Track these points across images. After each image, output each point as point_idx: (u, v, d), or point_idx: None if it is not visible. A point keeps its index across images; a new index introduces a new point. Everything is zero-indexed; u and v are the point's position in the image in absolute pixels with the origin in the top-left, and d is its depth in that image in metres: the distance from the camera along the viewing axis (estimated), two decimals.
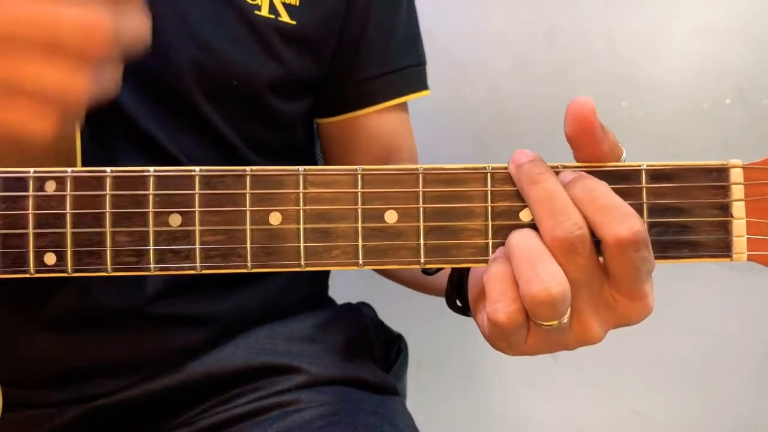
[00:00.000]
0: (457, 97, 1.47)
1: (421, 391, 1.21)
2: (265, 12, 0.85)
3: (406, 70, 1.00)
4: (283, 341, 0.89)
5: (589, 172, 0.58)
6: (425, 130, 1.36)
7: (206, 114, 0.84)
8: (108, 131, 0.79)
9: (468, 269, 0.68)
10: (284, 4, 0.86)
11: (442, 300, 0.74)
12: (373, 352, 0.96)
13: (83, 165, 0.73)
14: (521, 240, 0.56)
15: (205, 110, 0.84)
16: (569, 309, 0.56)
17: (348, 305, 1.03)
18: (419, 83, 1.02)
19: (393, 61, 0.98)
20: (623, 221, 0.54)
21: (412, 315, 1.21)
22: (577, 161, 0.60)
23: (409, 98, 1.01)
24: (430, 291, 0.89)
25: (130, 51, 0.54)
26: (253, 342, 0.88)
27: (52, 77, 0.50)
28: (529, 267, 0.55)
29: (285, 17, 0.87)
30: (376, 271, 1.06)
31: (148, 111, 0.81)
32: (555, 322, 0.56)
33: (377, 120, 1.00)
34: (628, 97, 1.45)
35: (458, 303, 0.72)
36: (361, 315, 1.00)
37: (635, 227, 0.54)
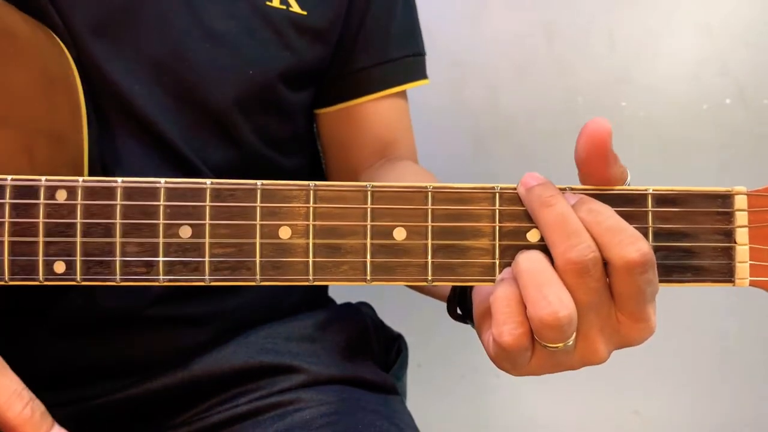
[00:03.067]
0: (456, 98, 1.47)
1: (421, 391, 1.22)
2: (276, 3, 0.86)
3: (404, 60, 1.00)
4: (284, 341, 0.90)
5: (595, 195, 0.58)
6: (425, 130, 1.36)
7: (221, 106, 0.84)
8: (118, 131, 0.80)
9: None
10: None
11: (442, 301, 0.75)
12: (373, 352, 0.97)
13: (91, 164, 0.73)
14: (529, 262, 0.56)
15: (217, 102, 0.84)
16: (575, 331, 0.57)
17: (348, 305, 1.03)
18: (417, 73, 1.02)
19: (391, 51, 0.99)
20: (631, 243, 0.54)
21: (412, 315, 1.21)
22: (581, 183, 0.60)
23: (407, 87, 1.01)
24: (432, 295, 0.90)
25: None
26: (254, 341, 0.88)
27: None
28: (536, 290, 0.55)
29: (296, 7, 0.87)
30: None
31: (161, 107, 0.81)
32: (561, 344, 0.56)
33: (374, 109, 1.00)
34: (628, 97, 1.46)
35: (459, 311, 0.73)
36: (361, 315, 1.00)
37: (643, 249, 0.54)
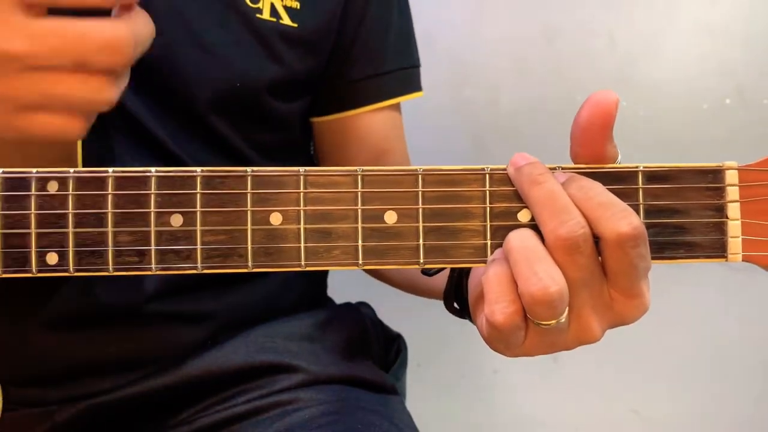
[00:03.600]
0: (456, 98, 1.48)
1: (421, 391, 1.21)
2: (266, 15, 0.86)
3: (398, 72, 1.01)
4: (283, 340, 0.89)
5: (586, 173, 0.58)
6: (425, 129, 1.37)
7: (209, 116, 0.85)
8: (112, 132, 0.80)
9: (468, 272, 0.69)
10: (285, 8, 0.87)
11: (441, 300, 0.74)
12: (373, 352, 0.97)
13: (87, 158, 0.73)
14: (519, 240, 0.56)
15: (207, 112, 0.84)
16: (567, 308, 0.56)
17: (347, 305, 1.04)
18: (412, 85, 1.03)
19: (386, 63, 0.99)
20: (622, 217, 0.54)
21: (411, 315, 1.21)
22: (573, 158, 0.60)
23: (401, 100, 1.02)
24: (426, 294, 0.90)
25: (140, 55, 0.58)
26: (253, 340, 0.88)
27: (83, 92, 0.55)
28: (527, 266, 0.55)
29: (286, 20, 0.87)
30: (371, 274, 1.06)
31: (152, 112, 0.81)
32: (553, 322, 0.56)
33: (369, 120, 1.01)
34: (628, 97, 1.46)
35: (456, 305, 0.72)
36: (361, 314, 1.00)
37: (634, 222, 0.54)
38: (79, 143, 0.73)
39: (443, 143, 1.46)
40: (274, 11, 0.87)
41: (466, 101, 1.47)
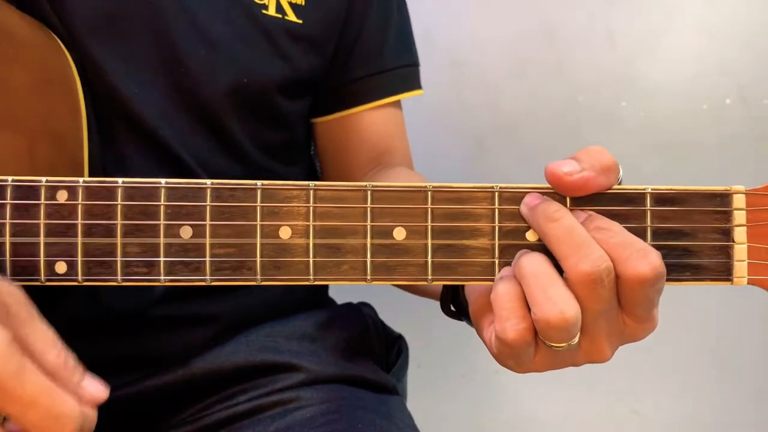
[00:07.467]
0: (457, 98, 1.48)
1: (421, 391, 1.22)
2: (272, 11, 0.86)
3: (399, 70, 1.01)
4: (285, 339, 0.90)
5: (594, 196, 0.59)
6: (425, 129, 1.37)
7: (216, 112, 0.85)
8: (116, 133, 0.80)
9: None
10: (290, 4, 0.87)
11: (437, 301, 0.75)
12: (374, 352, 0.97)
13: (91, 164, 0.73)
14: (532, 265, 0.57)
15: (214, 108, 0.85)
16: (580, 332, 0.57)
17: (349, 305, 1.04)
18: (412, 83, 1.04)
19: (387, 61, 1.00)
20: (642, 257, 0.55)
21: (412, 315, 1.22)
22: None
23: (402, 97, 1.02)
24: (425, 294, 0.90)
25: None
26: (255, 340, 0.89)
27: None
28: (541, 292, 0.55)
29: (291, 16, 0.88)
30: None
31: (158, 111, 0.81)
32: (565, 345, 0.57)
33: (370, 118, 1.01)
34: (628, 97, 1.46)
35: (452, 308, 0.73)
36: (362, 315, 1.00)
37: (654, 262, 0.55)
38: (85, 145, 0.74)
39: (443, 144, 1.46)
40: (279, 7, 0.87)
41: (466, 101, 1.47)
